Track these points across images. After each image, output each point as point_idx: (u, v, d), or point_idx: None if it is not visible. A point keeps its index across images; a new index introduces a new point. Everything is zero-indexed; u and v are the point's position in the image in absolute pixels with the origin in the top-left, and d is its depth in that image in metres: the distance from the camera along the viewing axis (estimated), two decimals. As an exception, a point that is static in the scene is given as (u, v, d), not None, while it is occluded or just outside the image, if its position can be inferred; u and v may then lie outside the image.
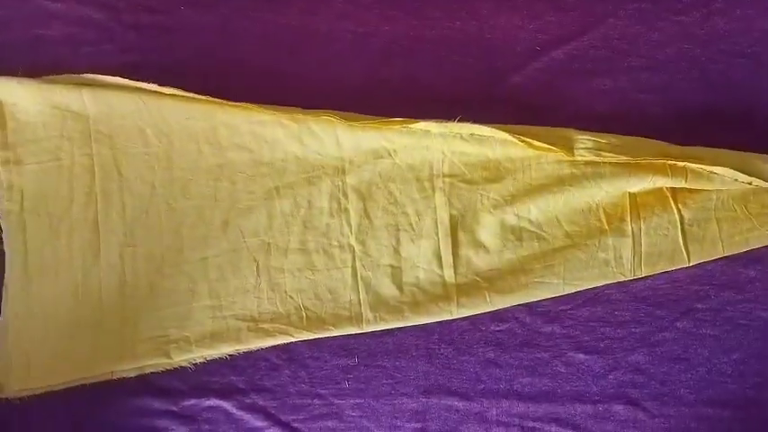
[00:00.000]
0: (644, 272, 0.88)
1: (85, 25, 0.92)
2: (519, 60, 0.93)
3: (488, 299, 0.87)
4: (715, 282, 0.89)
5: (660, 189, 0.88)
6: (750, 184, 0.87)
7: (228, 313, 0.87)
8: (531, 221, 0.88)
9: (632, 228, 0.88)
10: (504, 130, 0.87)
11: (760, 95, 0.92)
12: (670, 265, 0.88)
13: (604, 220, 0.88)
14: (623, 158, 0.87)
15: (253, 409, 0.88)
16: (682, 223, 0.88)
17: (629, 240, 0.88)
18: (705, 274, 0.89)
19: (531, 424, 0.88)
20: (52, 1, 0.92)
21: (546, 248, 0.88)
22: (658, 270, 0.88)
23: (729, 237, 0.88)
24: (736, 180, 0.87)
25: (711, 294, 0.89)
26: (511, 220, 0.88)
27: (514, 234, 0.88)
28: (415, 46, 0.93)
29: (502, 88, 0.92)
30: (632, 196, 0.88)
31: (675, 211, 0.88)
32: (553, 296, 0.88)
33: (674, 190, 0.88)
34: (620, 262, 0.88)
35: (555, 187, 0.88)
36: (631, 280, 0.88)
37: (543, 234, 0.88)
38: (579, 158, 0.87)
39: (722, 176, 0.87)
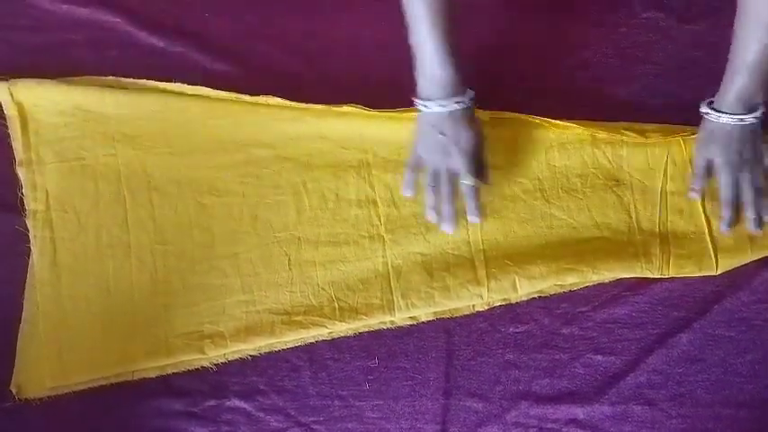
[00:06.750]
0: (671, 272, 0.89)
1: (110, 30, 0.94)
2: (532, 66, 0.96)
3: (518, 284, 0.88)
4: (730, 283, 0.90)
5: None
6: None
7: (262, 307, 0.88)
8: (561, 208, 0.90)
9: (660, 228, 0.90)
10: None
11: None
12: (698, 270, 0.89)
13: (634, 217, 0.90)
14: (638, 138, 0.90)
15: (273, 410, 0.88)
16: (710, 230, 0.90)
17: (657, 239, 0.89)
18: (721, 276, 0.90)
19: (549, 425, 0.88)
20: (77, 6, 0.94)
21: (577, 237, 0.90)
22: (685, 273, 0.89)
23: (760, 249, 0.89)
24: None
25: (727, 295, 0.90)
26: (541, 205, 0.90)
27: (545, 221, 0.90)
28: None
29: (516, 95, 0.94)
30: (663, 197, 0.91)
31: (703, 216, 0.90)
32: (580, 282, 0.89)
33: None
34: (648, 258, 0.89)
35: (580, 169, 0.91)
36: (650, 281, 0.90)
37: (574, 223, 0.90)
38: (598, 135, 0.91)
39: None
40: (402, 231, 0.90)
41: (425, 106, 0.83)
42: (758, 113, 0.84)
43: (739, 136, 0.85)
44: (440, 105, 0.82)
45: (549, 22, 0.97)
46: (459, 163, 0.84)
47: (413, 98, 0.85)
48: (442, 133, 0.83)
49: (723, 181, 0.87)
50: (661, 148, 0.91)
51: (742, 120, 0.84)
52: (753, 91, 0.83)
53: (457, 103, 0.83)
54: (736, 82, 0.83)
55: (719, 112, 0.85)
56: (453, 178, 0.85)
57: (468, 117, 0.84)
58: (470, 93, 0.84)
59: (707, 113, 0.86)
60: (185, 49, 0.94)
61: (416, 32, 0.81)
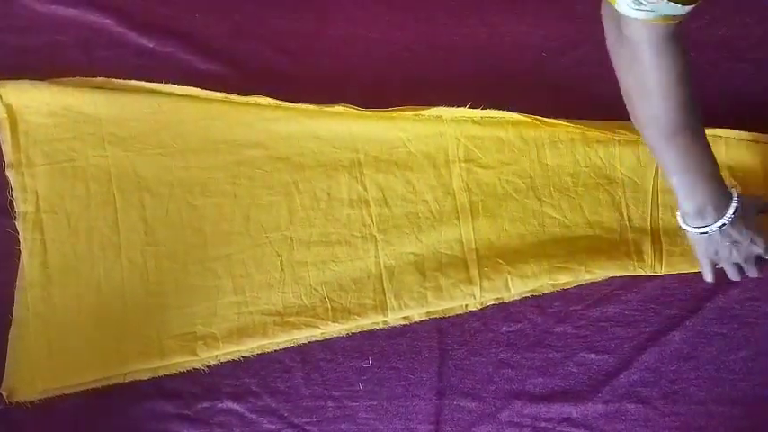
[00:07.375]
0: (663, 270, 0.89)
1: (99, 31, 0.94)
2: (527, 66, 0.95)
3: (510, 283, 0.88)
4: (722, 280, 0.90)
5: None
6: (756, 141, 0.90)
7: (254, 308, 0.88)
8: (554, 207, 0.90)
9: (651, 226, 0.90)
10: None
11: (760, 96, 0.95)
12: (689, 267, 0.89)
13: (626, 215, 0.90)
14: (629, 136, 0.90)
15: (266, 411, 0.88)
16: None
17: (649, 237, 0.89)
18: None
19: (543, 424, 0.88)
20: (67, 7, 0.93)
21: (569, 236, 0.90)
22: (678, 271, 0.89)
23: None
24: (741, 140, 0.90)
25: (719, 292, 0.90)
26: (533, 204, 0.90)
27: (537, 220, 0.90)
28: (426, 51, 0.95)
29: (509, 93, 0.94)
30: (654, 195, 0.91)
31: None
32: (573, 280, 0.89)
33: None
34: (640, 257, 0.89)
35: (572, 168, 0.91)
36: (643, 279, 0.90)
37: (566, 222, 0.90)
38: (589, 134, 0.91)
39: (726, 138, 0.90)
40: (394, 231, 0.90)
41: (706, 233, 0.79)
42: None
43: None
44: (720, 226, 0.79)
45: (545, 21, 0.97)
46: (756, 253, 0.82)
47: (680, 224, 0.82)
48: (733, 242, 0.80)
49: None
50: None
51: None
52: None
53: (735, 211, 0.79)
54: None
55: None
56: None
57: (744, 211, 0.80)
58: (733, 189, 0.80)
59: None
60: (176, 50, 0.94)
61: (671, 170, 0.78)
